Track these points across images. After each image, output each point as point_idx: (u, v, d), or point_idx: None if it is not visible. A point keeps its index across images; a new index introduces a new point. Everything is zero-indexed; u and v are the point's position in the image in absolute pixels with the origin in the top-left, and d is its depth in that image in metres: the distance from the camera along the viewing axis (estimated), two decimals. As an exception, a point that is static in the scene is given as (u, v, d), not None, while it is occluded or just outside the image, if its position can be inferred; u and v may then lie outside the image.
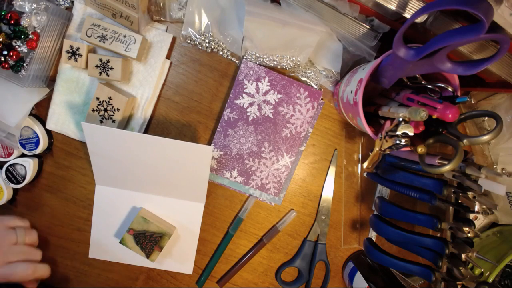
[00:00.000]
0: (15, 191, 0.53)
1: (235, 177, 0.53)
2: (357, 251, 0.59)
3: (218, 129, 0.52)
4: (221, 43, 0.51)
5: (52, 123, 0.51)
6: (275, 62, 0.50)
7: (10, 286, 0.46)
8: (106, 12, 0.46)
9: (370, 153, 0.40)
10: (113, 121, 0.48)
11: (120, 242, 0.49)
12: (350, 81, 0.45)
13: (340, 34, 0.47)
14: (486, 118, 0.53)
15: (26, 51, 0.45)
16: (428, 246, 0.44)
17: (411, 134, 0.35)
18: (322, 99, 0.53)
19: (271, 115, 0.51)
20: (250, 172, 0.53)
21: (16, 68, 0.45)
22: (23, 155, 0.52)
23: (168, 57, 0.51)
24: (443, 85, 0.39)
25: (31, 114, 0.50)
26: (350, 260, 0.58)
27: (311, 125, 0.54)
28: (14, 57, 0.44)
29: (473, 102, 0.54)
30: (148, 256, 0.50)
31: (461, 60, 0.35)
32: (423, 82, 0.41)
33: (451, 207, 0.45)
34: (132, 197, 0.52)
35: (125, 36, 0.46)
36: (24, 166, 0.50)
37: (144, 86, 0.51)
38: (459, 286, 0.43)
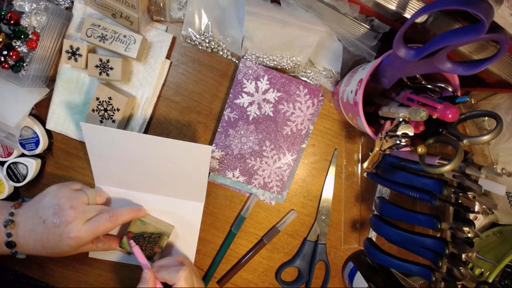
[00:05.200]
0: (16, 189, 0.53)
1: (237, 177, 0.53)
2: (357, 251, 0.59)
3: (218, 129, 0.52)
4: (221, 43, 0.51)
5: (52, 123, 0.51)
6: (275, 62, 0.50)
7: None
8: (106, 12, 0.46)
9: (370, 153, 0.40)
10: (113, 121, 0.48)
11: (120, 246, 0.49)
12: (350, 81, 0.45)
13: (340, 34, 0.47)
14: (486, 118, 0.53)
15: (26, 51, 0.45)
16: (428, 246, 0.44)
17: (411, 134, 0.35)
18: (321, 96, 0.53)
19: (271, 114, 0.51)
20: (252, 171, 0.53)
21: (16, 68, 0.45)
22: (23, 155, 0.52)
23: (168, 57, 0.51)
24: (443, 85, 0.39)
25: (31, 114, 0.50)
26: (350, 260, 0.58)
27: (311, 122, 0.54)
28: (14, 57, 0.44)
29: (473, 102, 0.54)
30: (148, 257, 0.50)
31: (461, 60, 0.35)
32: (423, 82, 0.41)
33: (451, 207, 0.45)
34: (131, 197, 0.52)
35: (125, 36, 0.46)
36: (26, 166, 0.50)
37: (144, 86, 0.51)
38: (459, 286, 0.43)
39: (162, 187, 0.51)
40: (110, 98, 0.48)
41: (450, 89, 0.39)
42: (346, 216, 0.58)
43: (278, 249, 0.57)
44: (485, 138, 0.36)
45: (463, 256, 0.42)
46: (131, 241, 0.48)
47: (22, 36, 0.44)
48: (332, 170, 0.56)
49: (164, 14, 0.49)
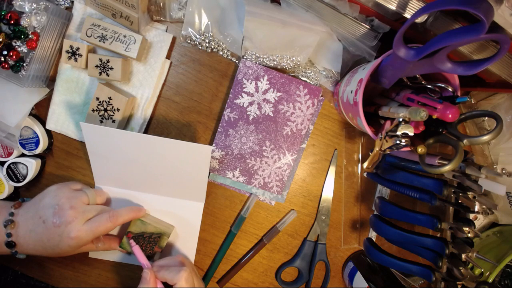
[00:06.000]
0: (16, 189, 0.53)
1: (237, 177, 0.53)
2: (357, 251, 0.59)
3: (219, 130, 0.52)
4: (221, 43, 0.51)
5: (52, 123, 0.51)
6: (275, 62, 0.50)
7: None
8: (106, 12, 0.46)
9: (370, 153, 0.40)
10: (113, 121, 0.48)
11: (120, 246, 0.49)
12: (350, 81, 0.45)
13: (340, 34, 0.47)
14: (486, 118, 0.53)
15: (26, 51, 0.45)
16: (428, 246, 0.44)
17: (411, 134, 0.35)
18: (322, 96, 0.53)
19: (271, 114, 0.51)
20: (252, 172, 0.53)
21: (16, 68, 0.45)
22: (23, 155, 0.52)
23: (168, 57, 0.51)
24: (443, 85, 0.39)
25: (31, 114, 0.50)
26: (350, 260, 0.58)
27: (311, 122, 0.54)
28: (14, 57, 0.44)
29: (473, 102, 0.54)
30: (148, 257, 0.50)
31: (461, 60, 0.35)
32: (423, 82, 0.41)
33: (451, 207, 0.45)
34: (131, 197, 0.52)
35: (125, 36, 0.46)
36: (26, 166, 0.50)
37: (144, 86, 0.51)
38: (459, 286, 0.43)
39: (162, 187, 0.51)
40: (110, 98, 0.48)
41: (450, 89, 0.39)
42: (346, 216, 0.58)
43: (278, 249, 0.57)
44: (485, 138, 0.36)
45: (463, 256, 0.42)
46: (131, 241, 0.48)
47: (22, 36, 0.44)
48: (332, 170, 0.56)
49: (164, 14, 0.49)
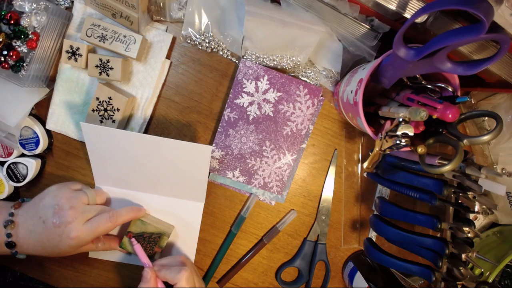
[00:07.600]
0: (16, 189, 0.53)
1: (237, 177, 0.53)
2: (357, 251, 0.59)
3: (218, 130, 0.52)
4: (221, 43, 0.51)
5: (52, 123, 0.51)
6: (275, 62, 0.50)
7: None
8: (106, 12, 0.46)
9: (370, 153, 0.40)
10: (113, 121, 0.48)
11: (120, 246, 0.49)
12: (350, 81, 0.45)
13: (340, 34, 0.47)
14: (486, 118, 0.53)
15: (26, 51, 0.45)
16: (428, 246, 0.44)
17: (411, 134, 0.35)
18: (322, 96, 0.53)
19: (271, 114, 0.51)
20: (252, 172, 0.53)
21: (16, 68, 0.45)
22: (23, 155, 0.52)
23: (168, 57, 0.51)
24: (443, 85, 0.39)
25: (31, 114, 0.50)
26: (350, 260, 0.58)
27: (311, 122, 0.54)
28: (14, 57, 0.44)
29: (473, 102, 0.54)
30: (149, 257, 0.50)
31: (461, 60, 0.35)
32: (423, 82, 0.41)
33: (451, 207, 0.45)
34: (131, 197, 0.52)
35: (125, 36, 0.46)
36: (26, 166, 0.50)
37: (144, 86, 0.51)
38: (459, 286, 0.43)
39: (162, 187, 0.51)
40: (110, 98, 0.48)
41: (450, 89, 0.39)
42: (346, 216, 0.58)
43: (278, 249, 0.57)
44: (485, 138, 0.36)
45: (463, 256, 0.42)
46: (133, 239, 0.48)
47: (22, 36, 0.44)
48: (332, 170, 0.56)
49: (164, 14, 0.49)
